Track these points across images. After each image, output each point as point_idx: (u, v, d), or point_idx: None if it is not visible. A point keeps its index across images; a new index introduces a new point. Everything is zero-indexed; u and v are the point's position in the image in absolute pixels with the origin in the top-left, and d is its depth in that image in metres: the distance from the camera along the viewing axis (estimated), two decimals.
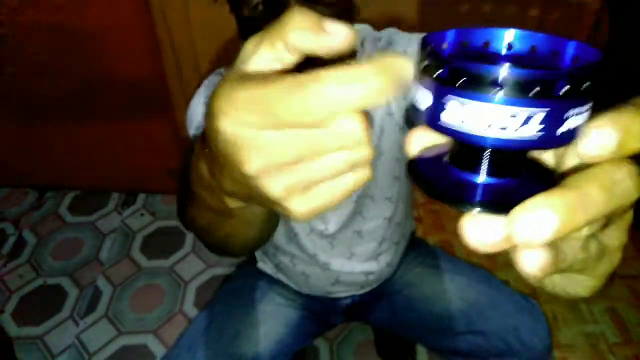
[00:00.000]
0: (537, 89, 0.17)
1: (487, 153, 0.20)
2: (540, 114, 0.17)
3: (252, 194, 0.24)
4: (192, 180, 0.33)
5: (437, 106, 0.19)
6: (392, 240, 0.87)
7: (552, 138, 0.18)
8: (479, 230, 0.19)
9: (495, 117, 0.18)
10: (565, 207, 0.17)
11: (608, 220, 0.20)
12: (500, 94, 0.17)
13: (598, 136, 0.17)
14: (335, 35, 0.20)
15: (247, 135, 0.20)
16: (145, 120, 1.63)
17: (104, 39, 1.44)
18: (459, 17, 1.54)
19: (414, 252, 0.96)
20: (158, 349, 1.35)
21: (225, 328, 0.82)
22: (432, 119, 0.19)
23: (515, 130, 0.18)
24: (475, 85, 0.17)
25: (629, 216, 0.22)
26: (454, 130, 0.19)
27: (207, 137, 0.23)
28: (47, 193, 1.87)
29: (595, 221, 0.18)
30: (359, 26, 0.75)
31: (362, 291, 0.93)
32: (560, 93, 0.17)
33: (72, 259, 1.61)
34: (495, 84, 0.17)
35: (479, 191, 0.20)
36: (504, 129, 0.18)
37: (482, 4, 1.54)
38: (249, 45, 0.22)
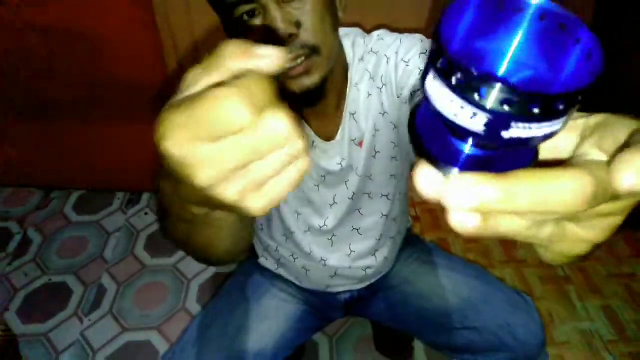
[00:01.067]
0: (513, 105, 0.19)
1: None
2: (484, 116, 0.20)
3: (211, 202, 0.25)
4: (161, 196, 0.36)
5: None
6: (389, 235, 0.89)
7: (495, 137, 0.20)
8: (426, 180, 0.21)
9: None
10: (493, 193, 0.19)
11: (572, 217, 0.22)
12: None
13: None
14: (267, 57, 0.23)
15: (189, 153, 0.22)
16: (149, 121, 1.63)
17: (109, 41, 1.46)
18: None
19: (410, 249, 0.98)
20: (162, 346, 1.37)
21: (229, 324, 0.84)
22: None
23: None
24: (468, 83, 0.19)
25: (614, 220, 0.23)
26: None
27: (161, 157, 0.25)
28: (53, 192, 1.89)
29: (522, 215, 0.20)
30: (349, 30, 0.76)
31: (361, 285, 0.95)
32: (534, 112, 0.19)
33: (77, 257, 1.64)
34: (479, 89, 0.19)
35: (463, 158, 0.22)
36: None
37: None
38: (189, 75, 0.25)
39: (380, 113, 0.74)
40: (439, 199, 0.20)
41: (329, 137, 0.74)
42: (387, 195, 0.83)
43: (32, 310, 1.48)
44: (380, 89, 0.72)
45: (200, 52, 1.62)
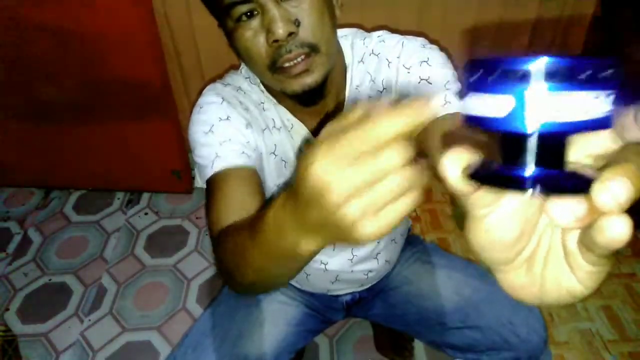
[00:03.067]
0: (589, 73, 0.20)
1: (535, 141, 0.22)
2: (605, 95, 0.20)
3: (330, 225, 0.30)
4: (261, 228, 0.39)
5: (517, 107, 0.21)
6: (390, 237, 0.89)
7: (606, 119, 0.21)
8: (563, 210, 0.22)
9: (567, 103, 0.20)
10: (636, 175, 0.20)
11: None
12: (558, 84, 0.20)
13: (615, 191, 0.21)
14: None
15: (331, 174, 0.28)
16: (149, 122, 1.65)
17: (110, 42, 1.46)
18: (457, 24, 1.56)
19: (410, 249, 0.98)
20: (162, 346, 1.37)
21: (230, 328, 0.83)
22: (513, 119, 0.21)
23: (576, 113, 0.20)
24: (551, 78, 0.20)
25: (605, 269, 0.25)
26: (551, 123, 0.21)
27: (298, 184, 0.31)
28: (53, 192, 1.89)
29: None
30: (348, 30, 0.76)
31: (361, 288, 0.94)
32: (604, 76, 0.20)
33: (77, 257, 1.64)
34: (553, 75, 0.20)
35: (529, 181, 0.22)
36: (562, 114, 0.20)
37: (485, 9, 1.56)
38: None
39: None
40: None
41: None
42: None
43: (32, 310, 1.48)
44: (381, 92, 0.72)
45: (200, 55, 1.62)
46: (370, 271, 0.89)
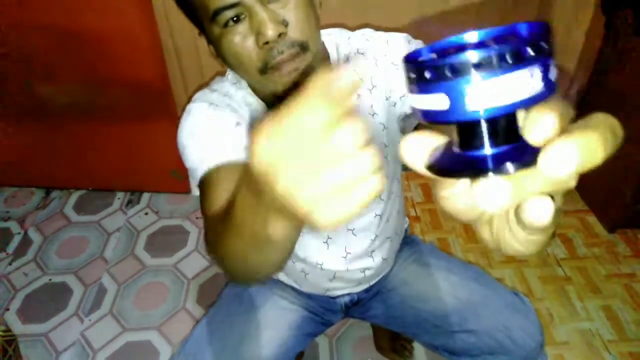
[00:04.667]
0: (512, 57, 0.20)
1: (487, 124, 0.23)
2: (534, 72, 0.21)
3: (286, 210, 0.29)
4: (236, 208, 0.38)
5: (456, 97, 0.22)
6: (385, 235, 0.89)
7: (546, 90, 0.22)
8: (489, 194, 0.22)
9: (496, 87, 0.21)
10: (586, 144, 0.21)
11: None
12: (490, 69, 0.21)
13: (561, 155, 0.21)
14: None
15: (276, 153, 0.27)
16: (149, 121, 1.65)
17: (109, 41, 1.46)
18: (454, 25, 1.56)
19: (408, 250, 0.98)
20: (162, 346, 1.38)
21: (230, 334, 0.83)
22: (454, 111, 0.22)
23: (510, 95, 0.21)
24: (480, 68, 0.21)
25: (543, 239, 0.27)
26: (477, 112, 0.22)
27: (251, 171, 0.29)
28: (53, 192, 1.90)
29: (607, 156, 0.22)
30: (333, 30, 0.76)
31: (360, 288, 0.94)
32: (528, 55, 0.21)
33: (77, 257, 1.64)
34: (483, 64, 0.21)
35: (490, 160, 0.23)
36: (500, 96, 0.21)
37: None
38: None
39: (370, 114, 0.73)
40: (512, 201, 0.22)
41: None
42: (379, 196, 0.83)
43: (32, 310, 1.48)
44: (370, 90, 0.72)
45: (200, 54, 1.62)
46: (367, 269, 0.89)
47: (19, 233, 1.73)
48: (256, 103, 0.73)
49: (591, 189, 1.76)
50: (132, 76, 1.54)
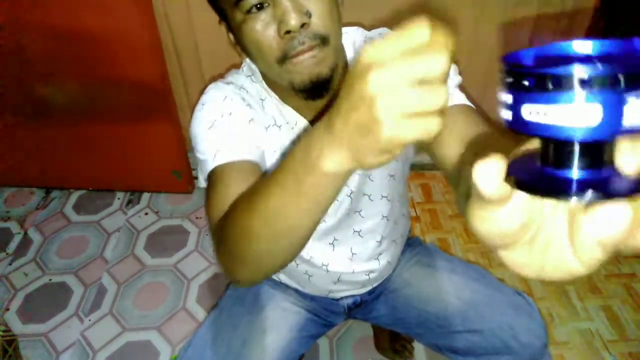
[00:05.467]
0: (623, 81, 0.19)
1: (579, 146, 0.21)
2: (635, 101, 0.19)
3: (371, 129, 0.32)
4: (283, 165, 0.42)
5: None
6: (391, 238, 0.89)
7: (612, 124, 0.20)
8: (610, 220, 0.21)
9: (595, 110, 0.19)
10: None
11: None
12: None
13: None
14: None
15: (375, 61, 0.30)
16: (149, 121, 1.65)
17: (109, 42, 1.46)
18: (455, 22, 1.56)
19: (410, 251, 0.97)
20: (162, 346, 1.38)
21: (233, 337, 0.82)
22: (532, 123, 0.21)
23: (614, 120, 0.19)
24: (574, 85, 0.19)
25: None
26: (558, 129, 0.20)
27: (345, 91, 0.33)
28: (53, 192, 1.89)
29: None
30: (349, 29, 0.75)
31: (363, 290, 0.94)
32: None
33: (77, 257, 1.64)
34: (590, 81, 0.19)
35: (575, 186, 0.21)
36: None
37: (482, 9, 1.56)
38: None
39: None
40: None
41: None
42: (386, 197, 0.83)
43: (32, 310, 1.48)
44: None
45: (200, 54, 1.62)
46: (371, 272, 0.89)
47: (19, 233, 1.73)
48: (270, 97, 0.73)
49: None
50: (132, 76, 1.54)
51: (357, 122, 0.32)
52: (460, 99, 0.67)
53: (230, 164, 0.63)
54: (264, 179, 0.47)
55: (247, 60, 0.75)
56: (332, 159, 0.36)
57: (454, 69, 0.70)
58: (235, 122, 0.68)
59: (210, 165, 0.65)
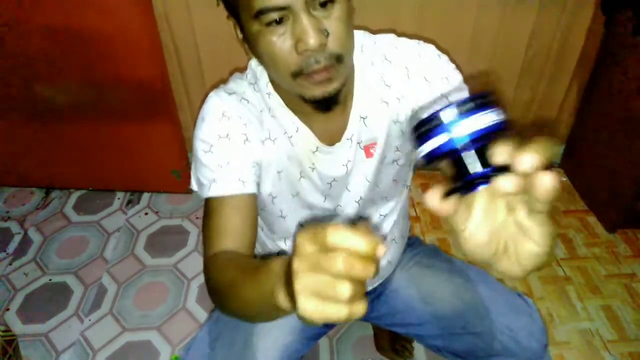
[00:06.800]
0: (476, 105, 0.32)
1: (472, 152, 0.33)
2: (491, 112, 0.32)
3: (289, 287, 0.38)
4: (259, 270, 0.50)
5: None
6: (390, 237, 0.89)
7: (500, 123, 0.32)
8: (506, 184, 0.31)
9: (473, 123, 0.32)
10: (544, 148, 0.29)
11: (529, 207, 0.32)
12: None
13: (530, 160, 0.29)
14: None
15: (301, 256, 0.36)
16: (149, 121, 1.65)
17: (109, 42, 1.46)
18: (454, 24, 1.56)
19: (411, 251, 0.97)
20: (162, 346, 1.38)
21: (236, 338, 0.82)
22: (447, 147, 0.33)
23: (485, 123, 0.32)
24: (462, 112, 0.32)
25: (550, 227, 0.34)
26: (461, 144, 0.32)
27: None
28: (53, 192, 1.90)
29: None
30: (357, 33, 0.74)
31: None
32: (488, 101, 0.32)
33: (77, 257, 1.64)
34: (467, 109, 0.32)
35: (480, 175, 0.33)
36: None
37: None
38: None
39: (394, 121, 0.74)
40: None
41: (332, 139, 0.74)
42: (386, 197, 0.83)
43: (32, 310, 1.48)
44: (399, 99, 0.72)
45: (200, 54, 1.62)
46: None
47: (19, 233, 1.73)
48: (272, 106, 0.73)
49: (591, 189, 1.76)
50: (132, 76, 1.54)
51: (288, 284, 0.38)
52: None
53: (223, 199, 0.69)
54: (246, 271, 0.55)
55: (252, 65, 0.75)
56: (282, 297, 0.43)
57: (452, 67, 0.71)
58: (231, 146, 0.71)
59: (207, 193, 0.71)
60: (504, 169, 0.31)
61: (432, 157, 0.33)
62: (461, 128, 0.31)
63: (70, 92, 1.61)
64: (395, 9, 1.52)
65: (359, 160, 0.75)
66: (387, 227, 0.86)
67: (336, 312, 0.35)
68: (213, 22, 1.52)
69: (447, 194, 0.34)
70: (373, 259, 0.34)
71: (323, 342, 1.37)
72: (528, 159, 0.29)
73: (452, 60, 0.72)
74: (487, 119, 0.31)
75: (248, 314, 0.56)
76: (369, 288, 0.94)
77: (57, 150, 1.77)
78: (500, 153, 0.31)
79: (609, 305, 1.44)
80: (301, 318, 0.36)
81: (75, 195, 1.88)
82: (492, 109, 0.32)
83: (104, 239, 1.70)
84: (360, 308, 0.36)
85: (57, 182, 1.89)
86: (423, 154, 0.34)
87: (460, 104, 0.31)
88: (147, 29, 1.46)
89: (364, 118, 0.73)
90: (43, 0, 1.40)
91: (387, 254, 0.89)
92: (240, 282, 0.54)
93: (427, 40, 0.74)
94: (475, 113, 0.31)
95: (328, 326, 0.99)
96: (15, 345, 1.27)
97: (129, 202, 1.85)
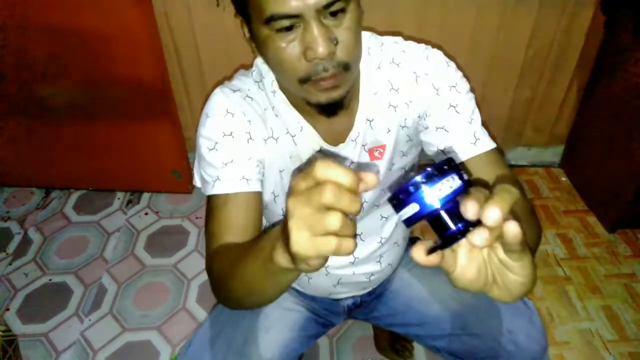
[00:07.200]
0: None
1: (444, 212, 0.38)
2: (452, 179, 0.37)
3: (284, 232, 0.39)
4: (258, 242, 0.51)
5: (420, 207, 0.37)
6: (392, 240, 0.89)
7: (462, 185, 0.37)
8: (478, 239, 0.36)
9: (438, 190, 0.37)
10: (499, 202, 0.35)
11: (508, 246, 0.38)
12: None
13: (493, 215, 0.34)
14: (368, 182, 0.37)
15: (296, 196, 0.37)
16: (149, 121, 1.65)
17: (109, 41, 1.46)
18: (454, 24, 1.56)
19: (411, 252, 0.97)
20: (162, 346, 1.38)
21: (234, 336, 0.82)
22: (423, 212, 0.37)
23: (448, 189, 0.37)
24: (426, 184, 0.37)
25: (527, 261, 0.39)
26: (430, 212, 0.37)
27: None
28: (53, 192, 1.90)
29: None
30: (364, 34, 0.73)
31: (363, 291, 0.94)
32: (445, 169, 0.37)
33: (77, 257, 1.64)
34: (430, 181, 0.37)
35: (457, 232, 0.38)
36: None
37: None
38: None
39: (401, 126, 0.74)
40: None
41: (336, 139, 0.73)
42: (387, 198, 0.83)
43: (32, 310, 1.48)
44: (407, 104, 0.72)
45: (200, 54, 1.62)
46: (372, 274, 0.89)
47: (19, 233, 1.74)
48: (277, 105, 0.73)
49: (591, 189, 1.76)
50: (132, 76, 1.54)
51: (284, 231, 0.39)
52: (485, 142, 0.70)
53: (227, 197, 0.69)
54: (248, 247, 0.57)
55: (258, 63, 0.75)
56: (280, 254, 0.43)
57: (475, 104, 0.71)
58: (235, 144, 0.70)
59: (211, 191, 0.71)
60: (477, 221, 0.36)
61: (412, 221, 0.38)
62: (432, 195, 0.36)
63: (70, 92, 1.61)
64: (395, 9, 1.52)
65: (362, 161, 0.75)
66: (389, 229, 0.86)
67: (326, 243, 0.36)
68: (213, 22, 1.52)
69: (430, 251, 0.39)
70: (357, 195, 0.36)
71: (323, 342, 1.37)
72: (492, 214, 0.34)
73: (459, 67, 0.72)
74: (452, 183, 0.37)
75: (251, 289, 0.56)
76: (369, 290, 0.94)
77: (57, 150, 1.77)
78: (469, 209, 0.35)
79: (609, 305, 1.44)
80: (295, 254, 0.37)
81: (75, 195, 1.88)
82: (456, 173, 0.37)
83: (104, 239, 1.70)
84: (349, 244, 0.37)
85: (57, 182, 1.89)
86: (403, 219, 0.39)
87: (428, 174, 0.36)
88: (147, 29, 1.46)
89: (370, 121, 0.73)
90: (43, 1, 1.40)
91: (388, 256, 0.89)
92: (243, 256, 0.55)
93: (427, 40, 0.74)
94: (441, 179, 0.36)
95: (327, 325, 0.99)
96: (15, 345, 1.27)
97: (129, 202, 1.85)
